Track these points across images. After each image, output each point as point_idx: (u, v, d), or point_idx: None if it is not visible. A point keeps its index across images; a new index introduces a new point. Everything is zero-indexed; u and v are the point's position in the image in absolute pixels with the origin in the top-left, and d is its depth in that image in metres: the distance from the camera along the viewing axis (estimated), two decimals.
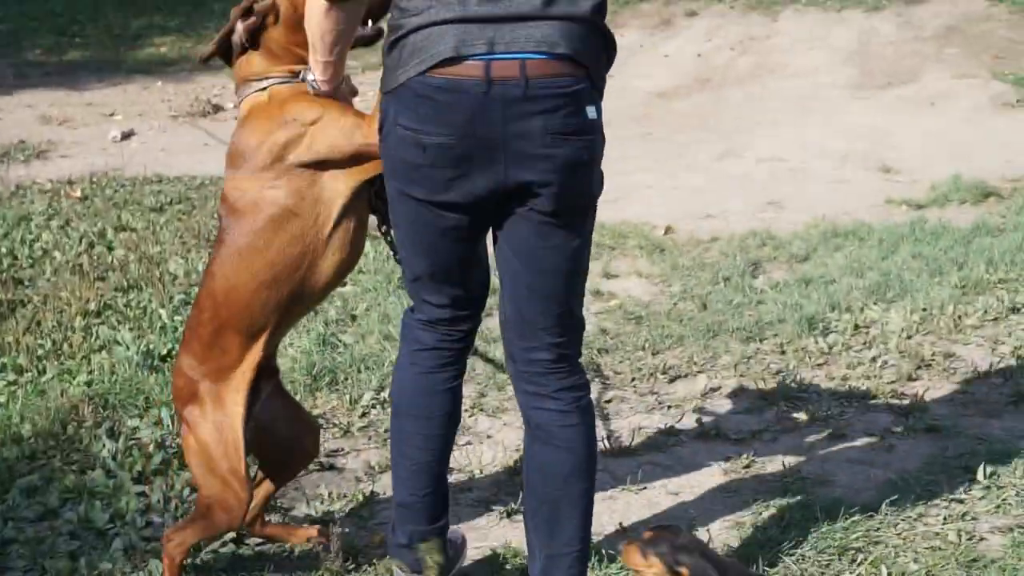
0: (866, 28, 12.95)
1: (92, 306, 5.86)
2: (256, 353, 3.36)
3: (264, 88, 3.31)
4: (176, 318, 5.71)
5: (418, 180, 2.96)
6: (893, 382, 4.81)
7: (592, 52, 2.90)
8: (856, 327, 5.37)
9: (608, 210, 7.48)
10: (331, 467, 4.37)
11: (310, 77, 3.21)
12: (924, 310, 5.48)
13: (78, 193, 8.14)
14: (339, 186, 3.22)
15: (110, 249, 6.83)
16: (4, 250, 6.74)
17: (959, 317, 5.41)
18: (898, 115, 10.09)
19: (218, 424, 3.35)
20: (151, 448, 4.40)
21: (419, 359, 3.35)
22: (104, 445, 4.42)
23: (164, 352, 5.31)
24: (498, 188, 2.91)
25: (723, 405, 4.77)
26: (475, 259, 3.20)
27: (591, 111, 2.91)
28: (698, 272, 6.26)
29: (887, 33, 12.74)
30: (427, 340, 3.33)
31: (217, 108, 11.36)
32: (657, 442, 4.45)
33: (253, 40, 3.30)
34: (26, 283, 6.30)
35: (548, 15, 2.82)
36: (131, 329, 5.56)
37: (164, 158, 9.42)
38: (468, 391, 4.95)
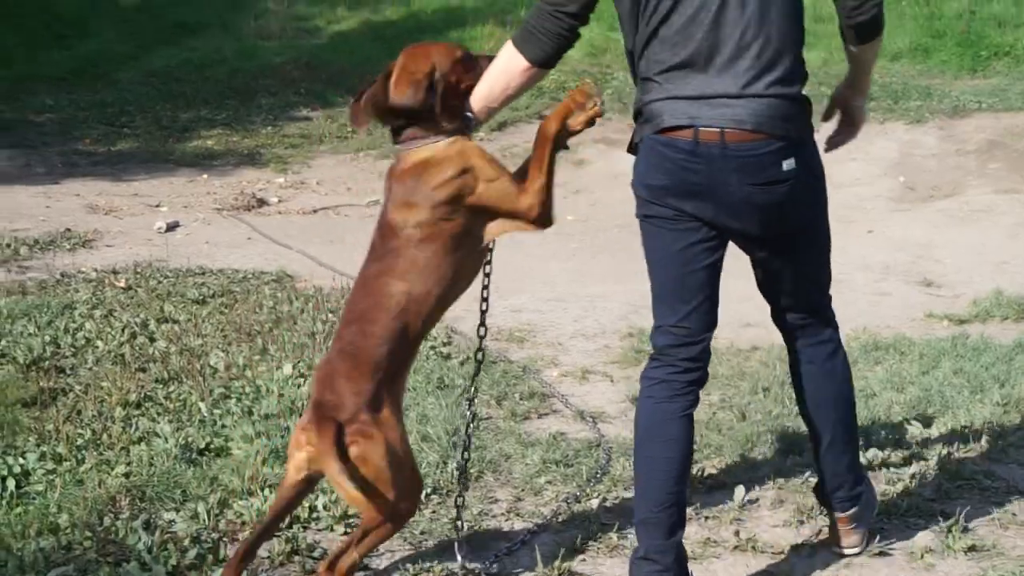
0: (908, 140, 12.99)
1: (132, 397, 5.88)
2: (414, 357, 4.13)
3: (436, 142, 3.95)
4: (215, 411, 5.72)
5: (652, 211, 3.94)
6: (933, 500, 4.77)
7: (782, 119, 3.77)
8: (896, 442, 5.33)
9: (648, 317, 7.49)
10: (365, 567, 4.35)
11: (469, 114, 3.99)
12: (965, 427, 5.44)
13: (122, 283, 8.21)
14: (490, 228, 3.99)
15: (152, 340, 6.87)
16: (48, 338, 6.78)
17: (1000, 435, 5.37)
18: (940, 228, 10.10)
19: (396, 425, 3.92)
20: (187, 542, 4.40)
21: (654, 391, 4.05)
22: (140, 538, 4.41)
23: (203, 445, 5.32)
24: (708, 221, 3.86)
25: (761, 517, 4.74)
26: (704, 285, 4.02)
27: (788, 163, 3.80)
28: (737, 381, 6.24)
29: (929, 146, 12.78)
30: (657, 375, 4.06)
31: (261, 202, 11.47)
32: (694, 552, 4.42)
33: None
34: (68, 372, 6.35)
35: (742, 95, 3.74)
36: (170, 421, 5.58)
37: (208, 250, 9.50)
38: (504, 495, 4.95)
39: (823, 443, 4.26)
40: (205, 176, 12.84)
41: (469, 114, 3.98)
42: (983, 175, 11.71)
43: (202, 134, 14.85)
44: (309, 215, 11.15)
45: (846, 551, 4.37)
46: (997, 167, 11.91)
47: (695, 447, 5.20)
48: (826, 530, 4.54)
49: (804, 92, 3.86)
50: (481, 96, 3.96)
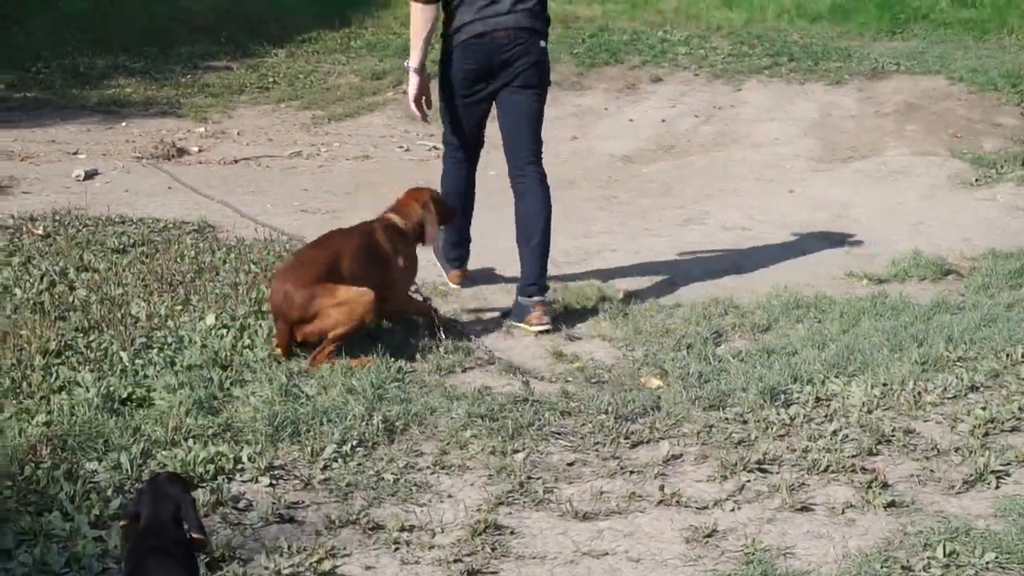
0: (827, 102, 13.09)
1: (52, 345, 5.79)
2: None
3: None
4: (137, 361, 5.67)
5: (462, 89, 6.68)
6: (854, 456, 4.82)
7: (539, 20, 6.60)
8: (817, 399, 5.38)
9: (572, 271, 7.55)
10: (291, 519, 4.34)
11: (405, 63, 6.72)
12: (885, 385, 5.49)
13: (40, 230, 8.09)
14: None
15: (71, 288, 6.78)
16: None
17: (919, 393, 5.42)
18: (858, 188, 10.19)
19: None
20: (109, 492, 4.38)
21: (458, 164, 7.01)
22: (62, 487, 4.38)
23: (124, 395, 5.27)
24: (499, 86, 6.62)
25: (685, 472, 4.78)
26: (482, 124, 6.90)
27: (542, 43, 6.63)
28: (661, 338, 6.27)
29: (848, 107, 12.88)
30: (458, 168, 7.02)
31: (181, 152, 11.32)
32: (619, 508, 4.46)
33: None
34: None
35: (515, 10, 6.48)
36: (91, 370, 5.52)
37: (128, 199, 9.37)
38: (430, 448, 4.95)
39: (531, 247, 6.63)
40: (124, 124, 12.66)
41: (414, 67, 6.63)
42: (901, 136, 11.83)
43: (120, 81, 14.63)
44: (230, 165, 11.02)
45: (541, 328, 6.43)
46: (914, 128, 12.03)
47: (624, 404, 5.30)
48: (747, 484, 4.62)
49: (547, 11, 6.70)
50: (418, 51, 6.62)
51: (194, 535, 3.39)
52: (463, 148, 6.95)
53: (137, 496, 3.54)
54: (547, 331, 6.40)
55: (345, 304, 5.79)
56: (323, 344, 5.84)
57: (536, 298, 6.52)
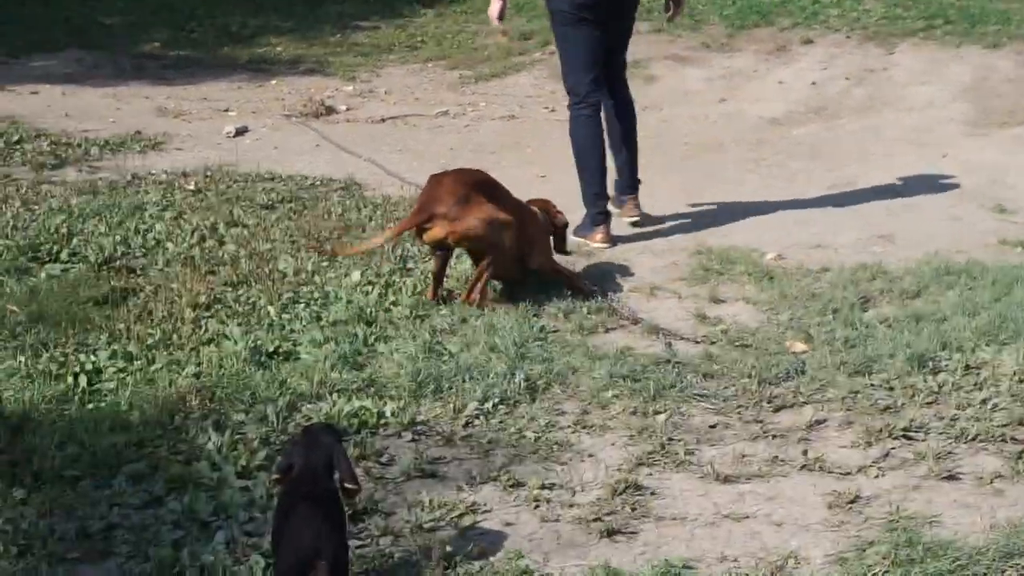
0: (984, 65, 12.77)
1: (202, 299, 5.92)
2: None
3: None
4: (284, 315, 5.76)
5: (575, 17, 7.13)
6: (1004, 425, 4.71)
7: None
8: (967, 367, 5.26)
9: (717, 235, 7.48)
10: (433, 474, 4.38)
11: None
12: None
13: (192, 186, 8.25)
14: None
15: (221, 243, 6.91)
16: (118, 238, 6.84)
17: None
18: (1014, 155, 9.92)
19: None
20: (256, 443, 4.45)
21: (588, 121, 7.25)
22: (210, 437, 4.47)
23: (271, 349, 5.36)
24: (605, 16, 7.12)
25: (829, 438, 4.72)
26: (600, 58, 7.28)
27: None
28: (807, 302, 6.18)
29: (1006, 71, 12.55)
30: (587, 112, 7.25)
31: (330, 110, 11.43)
32: (761, 471, 4.42)
33: None
34: (138, 272, 6.40)
35: None
36: (240, 324, 5.62)
37: (276, 156, 9.51)
38: (571, 408, 4.95)
39: (625, 155, 7.54)
40: (274, 82, 12.84)
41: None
42: None
43: (271, 40, 14.85)
44: (377, 124, 11.11)
45: (637, 218, 7.54)
46: None
47: (768, 367, 5.24)
48: (893, 451, 4.54)
49: None
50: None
51: (347, 484, 3.42)
52: (586, 91, 7.25)
53: (290, 447, 3.59)
54: (637, 221, 7.57)
55: (491, 220, 5.91)
56: (474, 277, 5.98)
57: (629, 195, 7.58)
